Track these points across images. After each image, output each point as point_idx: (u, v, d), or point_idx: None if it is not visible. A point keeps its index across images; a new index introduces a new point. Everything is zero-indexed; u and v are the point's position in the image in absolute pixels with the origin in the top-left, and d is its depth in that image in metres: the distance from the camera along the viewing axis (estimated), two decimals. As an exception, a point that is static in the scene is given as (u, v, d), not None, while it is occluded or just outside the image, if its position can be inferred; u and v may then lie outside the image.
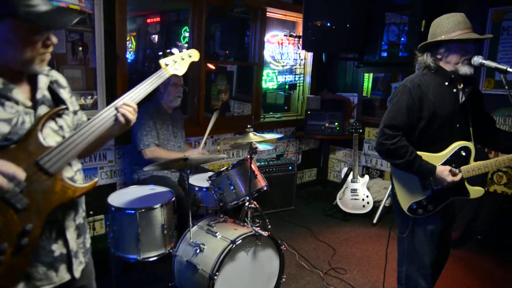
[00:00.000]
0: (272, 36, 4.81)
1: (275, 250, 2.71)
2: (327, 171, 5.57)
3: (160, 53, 1.62)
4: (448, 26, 2.00)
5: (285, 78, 5.08)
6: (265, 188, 2.94)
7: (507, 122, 3.93)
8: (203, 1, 3.95)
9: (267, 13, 4.57)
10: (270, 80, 4.89)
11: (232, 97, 5.78)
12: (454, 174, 2.01)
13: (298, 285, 3.09)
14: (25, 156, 1.18)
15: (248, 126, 2.71)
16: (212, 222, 2.70)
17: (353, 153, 4.51)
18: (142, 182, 3.15)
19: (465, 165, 2.06)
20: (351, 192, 4.43)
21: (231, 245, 2.42)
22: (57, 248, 1.30)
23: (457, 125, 2.09)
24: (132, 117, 1.40)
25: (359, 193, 4.41)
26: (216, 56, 5.87)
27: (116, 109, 1.37)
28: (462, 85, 2.11)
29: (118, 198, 2.68)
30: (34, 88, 1.29)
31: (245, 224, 2.74)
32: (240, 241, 2.45)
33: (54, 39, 1.23)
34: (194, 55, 1.71)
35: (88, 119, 1.36)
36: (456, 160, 2.07)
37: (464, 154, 2.07)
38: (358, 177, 4.46)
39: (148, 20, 7.09)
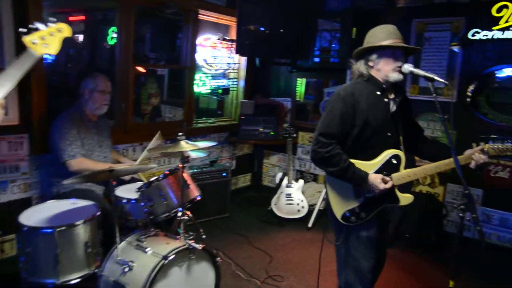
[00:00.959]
0: (205, 39, 4.68)
1: (210, 262, 2.60)
2: (261, 176, 5.55)
3: (23, 29, 1.38)
4: (381, 35, 2.09)
5: (218, 82, 4.98)
6: (198, 198, 2.82)
7: (430, 126, 4.18)
8: (131, 1, 3.73)
9: (200, 15, 4.44)
10: (202, 85, 4.75)
11: (163, 101, 5.56)
12: (385, 182, 2.05)
13: (234, 296, 3.01)
14: None
15: (179, 133, 2.56)
16: (142, 237, 2.51)
17: (287, 157, 4.53)
18: (63, 196, 2.85)
19: (395, 173, 2.11)
20: (286, 197, 4.44)
21: (163, 261, 2.27)
22: None
23: (388, 134, 2.14)
24: None
25: (294, 198, 4.43)
26: (146, 59, 5.61)
27: None
28: (393, 95, 2.17)
29: (33, 215, 2.39)
30: None
31: (178, 237, 2.59)
32: (173, 256, 2.31)
33: None
34: (65, 29, 1.51)
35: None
36: (387, 168, 2.11)
37: (395, 162, 2.12)
38: (293, 181, 4.48)
39: (71, 18, 6.60)
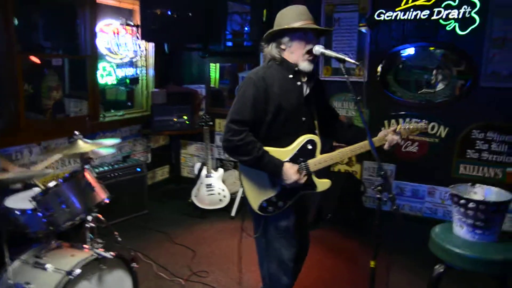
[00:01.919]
0: (106, 25, 4.28)
1: (125, 269, 2.38)
2: (179, 167, 5.34)
3: None
4: (291, 16, 2.01)
5: (125, 71, 4.61)
6: (106, 201, 2.55)
7: (344, 106, 4.29)
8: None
9: (97, -1, 4.04)
10: (108, 75, 4.36)
11: (66, 95, 5.04)
12: (300, 174, 2.00)
13: (157, 300, 2.82)
14: None
15: (76, 132, 2.26)
16: (41, 252, 2.21)
17: (205, 146, 4.37)
18: None
19: (312, 159, 2.06)
20: (207, 187, 4.29)
21: (67, 277, 2.01)
22: None
23: (303, 119, 2.08)
24: None
25: (215, 188, 4.30)
26: (39, 49, 5.01)
27: None
28: (306, 78, 2.11)
29: None
30: None
31: (86, 246, 2.32)
32: (79, 270, 2.05)
33: None
34: None
35: None
36: (303, 154, 2.06)
37: (310, 147, 2.07)
38: (212, 171, 4.35)
39: None
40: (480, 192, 2.22)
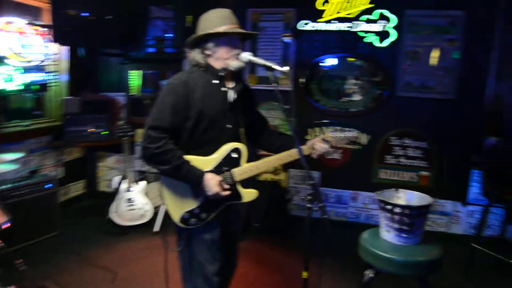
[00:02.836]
0: (7, 23, 3.81)
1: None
2: (96, 181, 4.94)
3: None
4: (215, 20, 1.91)
5: (33, 76, 4.15)
6: (6, 225, 2.21)
7: (271, 114, 4.27)
8: None
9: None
10: (9, 80, 3.88)
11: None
12: (223, 187, 1.89)
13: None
14: None
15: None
16: None
17: (124, 158, 4.07)
18: None
19: (236, 168, 1.97)
20: (127, 202, 3.99)
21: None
22: None
23: (228, 126, 1.98)
24: None
25: (136, 202, 4.02)
26: None
27: None
28: (232, 84, 2.01)
29: None
30: None
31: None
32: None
33: None
34: None
35: None
36: (227, 163, 1.96)
37: (235, 156, 1.98)
38: (133, 184, 4.06)
39: None
40: (403, 197, 2.28)
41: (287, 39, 4.13)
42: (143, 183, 4.15)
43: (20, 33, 3.93)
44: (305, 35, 4.08)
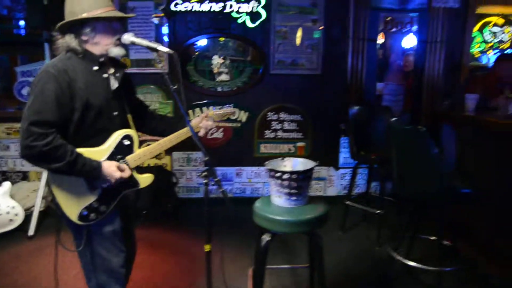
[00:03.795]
0: None
1: None
2: None
3: None
4: (88, 3, 1.73)
5: None
6: None
7: (147, 98, 4.12)
8: None
9: None
10: None
11: None
12: (121, 170, 1.81)
13: None
14: None
15: None
16: None
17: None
18: None
19: (130, 155, 1.90)
20: (-10, 207, 3.49)
21: None
22: None
23: (114, 113, 1.87)
24: None
25: (1, 206, 3.54)
26: None
27: None
28: (112, 70, 1.89)
29: None
30: None
31: None
32: None
33: None
34: None
35: None
36: (121, 151, 1.87)
37: (127, 143, 1.90)
38: (-4, 186, 3.56)
39: None
40: (289, 164, 2.46)
41: (155, 20, 4.00)
42: (6, 184, 3.66)
43: None
44: (178, 16, 4.01)
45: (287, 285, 2.93)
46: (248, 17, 4.04)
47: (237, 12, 4.01)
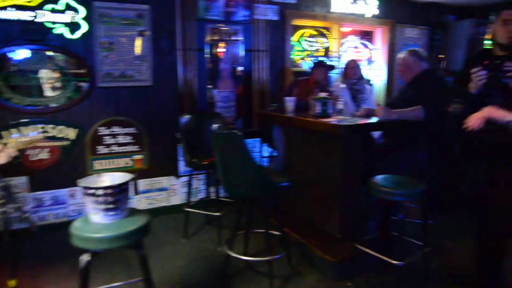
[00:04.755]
0: None
1: None
2: None
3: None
4: None
5: None
6: None
7: None
8: None
9: None
10: None
11: None
12: None
13: None
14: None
15: None
16: None
17: None
18: None
19: None
20: None
21: None
22: None
23: None
24: None
25: None
26: None
27: None
28: None
29: None
30: None
31: None
32: None
33: None
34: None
35: None
36: None
37: None
38: None
39: None
40: (108, 180, 2.39)
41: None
42: None
43: None
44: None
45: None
46: (67, 28, 3.79)
47: (52, 22, 3.72)
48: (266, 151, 5.03)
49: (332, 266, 3.12)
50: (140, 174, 4.28)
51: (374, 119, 3.34)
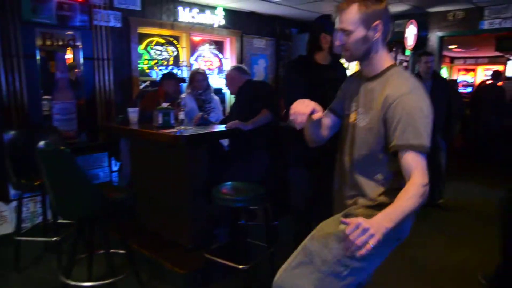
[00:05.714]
0: None
1: None
2: None
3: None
4: None
5: None
6: None
7: None
8: None
9: None
10: None
11: None
12: None
13: None
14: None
15: None
16: None
17: None
18: None
19: None
20: None
21: None
22: None
23: None
24: None
25: None
26: None
27: None
28: None
29: None
30: None
31: None
32: None
33: None
34: None
35: None
36: None
37: None
38: None
39: None
40: None
41: None
42: None
43: None
44: None
45: None
46: None
47: None
48: (115, 165, 4.75)
49: (183, 278, 3.07)
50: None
51: (220, 128, 3.41)
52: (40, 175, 3.20)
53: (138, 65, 5.15)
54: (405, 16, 6.50)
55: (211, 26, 5.86)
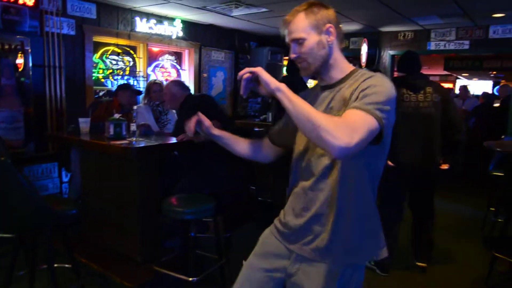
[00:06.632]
0: None
1: None
2: None
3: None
4: None
5: None
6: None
7: None
8: None
9: None
10: None
11: None
12: None
13: None
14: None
15: None
16: None
17: None
18: None
19: None
20: None
21: None
22: None
23: None
24: None
25: None
26: None
27: None
28: None
29: None
30: None
31: None
32: None
33: None
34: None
35: None
36: None
37: None
38: None
39: None
40: None
41: None
42: None
43: None
44: None
45: None
46: None
47: None
48: (65, 175, 4.60)
49: (132, 292, 3.01)
50: None
51: (171, 140, 3.40)
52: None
53: (93, 74, 5.04)
54: (359, 34, 6.79)
55: (169, 37, 5.86)
